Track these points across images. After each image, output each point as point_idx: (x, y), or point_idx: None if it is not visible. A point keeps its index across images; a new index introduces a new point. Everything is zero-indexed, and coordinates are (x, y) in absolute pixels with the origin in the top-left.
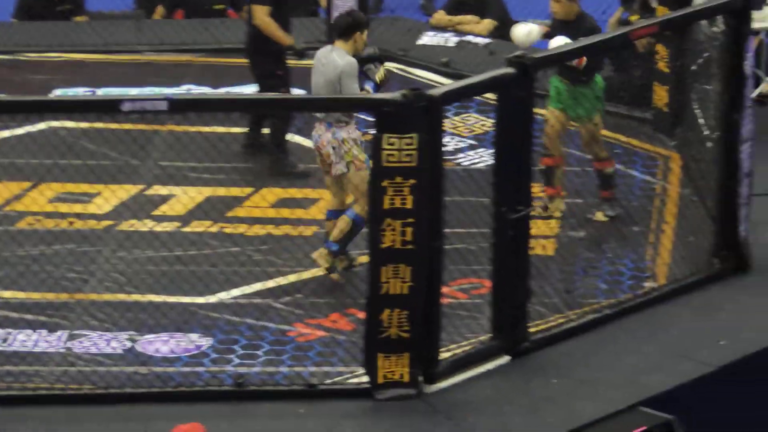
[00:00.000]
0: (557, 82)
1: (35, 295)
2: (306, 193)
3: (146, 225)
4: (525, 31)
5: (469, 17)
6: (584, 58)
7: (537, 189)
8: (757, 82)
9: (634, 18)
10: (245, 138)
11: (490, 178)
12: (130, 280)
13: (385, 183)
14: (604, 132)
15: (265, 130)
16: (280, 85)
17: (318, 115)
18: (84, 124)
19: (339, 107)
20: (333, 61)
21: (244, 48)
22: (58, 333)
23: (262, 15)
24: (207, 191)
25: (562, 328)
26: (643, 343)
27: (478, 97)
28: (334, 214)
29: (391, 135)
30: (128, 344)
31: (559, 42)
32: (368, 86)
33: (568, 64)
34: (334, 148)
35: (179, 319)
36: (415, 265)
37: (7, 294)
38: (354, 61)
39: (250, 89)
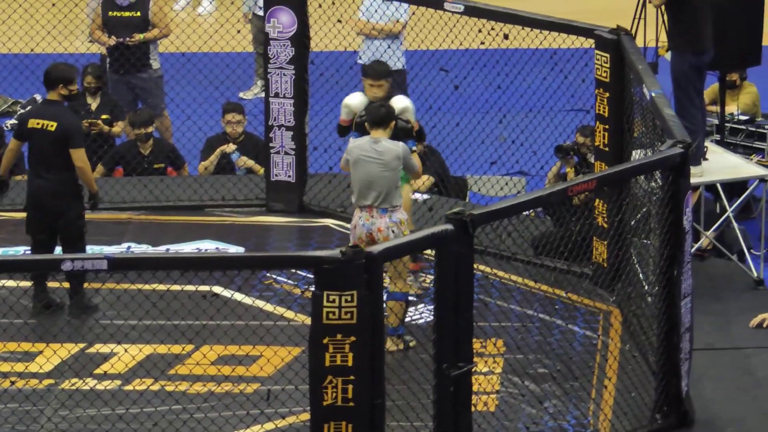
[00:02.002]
0: None
1: None
2: (246, 350)
3: (88, 383)
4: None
5: None
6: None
7: (477, 345)
8: (697, 237)
9: (570, 172)
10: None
11: (431, 334)
12: None
13: (326, 340)
14: (543, 286)
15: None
16: (84, 225)
17: (368, 201)
18: (25, 283)
19: (281, 265)
20: (388, 149)
21: (52, 188)
22: None
23: (85, 158)
24: (148, 349)
25: None
26: None
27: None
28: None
29: (331, 292)
30: None
31: (403, 101)
32: (412, 146)
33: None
34: (393, 231)
35: None
36: (356, 423)
37: None
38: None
39: (189, 246)
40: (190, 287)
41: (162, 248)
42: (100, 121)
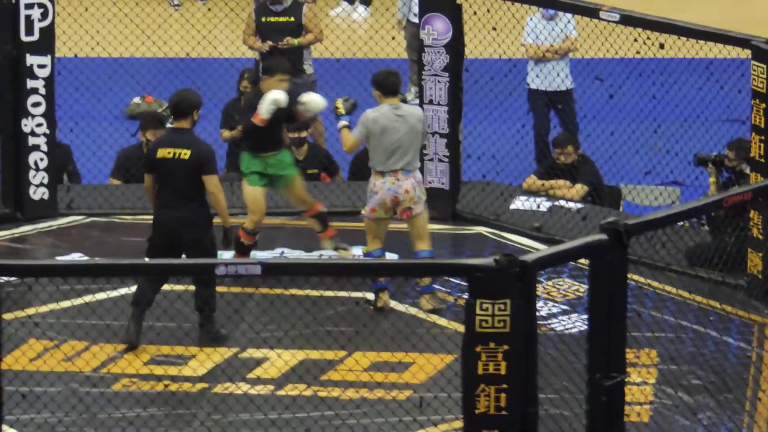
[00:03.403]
0: (259, 159)
1: None
2: (399, 357)
3: (240, 388)
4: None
5: (561, 182)
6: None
7: (630, 355)
8: None
9: (712, 180)
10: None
11: (584, 344)
12: None
13: (478, 348)
14: (698, 297)
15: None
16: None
17: (397, 165)
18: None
19: (434, 272)
20: (410, 113)
21: (186, 218)
22: None
23: (219, 185)
24: (301, 355)
25: None
26: None
27: (571, 262)
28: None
29: (484, 300)
30: None
31: (277, 94)
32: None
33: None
34: (417, 190)
35: None
36: (509, 431)
37: None
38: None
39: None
40: (343, 293)
41: (315, 254)
42: None
